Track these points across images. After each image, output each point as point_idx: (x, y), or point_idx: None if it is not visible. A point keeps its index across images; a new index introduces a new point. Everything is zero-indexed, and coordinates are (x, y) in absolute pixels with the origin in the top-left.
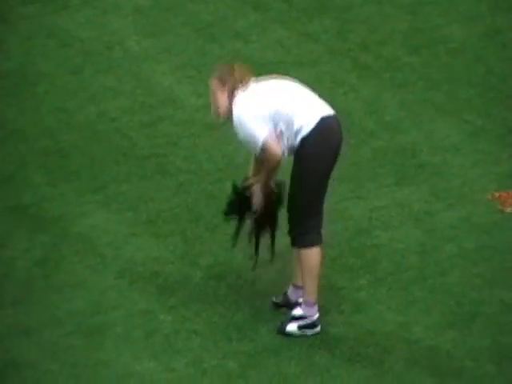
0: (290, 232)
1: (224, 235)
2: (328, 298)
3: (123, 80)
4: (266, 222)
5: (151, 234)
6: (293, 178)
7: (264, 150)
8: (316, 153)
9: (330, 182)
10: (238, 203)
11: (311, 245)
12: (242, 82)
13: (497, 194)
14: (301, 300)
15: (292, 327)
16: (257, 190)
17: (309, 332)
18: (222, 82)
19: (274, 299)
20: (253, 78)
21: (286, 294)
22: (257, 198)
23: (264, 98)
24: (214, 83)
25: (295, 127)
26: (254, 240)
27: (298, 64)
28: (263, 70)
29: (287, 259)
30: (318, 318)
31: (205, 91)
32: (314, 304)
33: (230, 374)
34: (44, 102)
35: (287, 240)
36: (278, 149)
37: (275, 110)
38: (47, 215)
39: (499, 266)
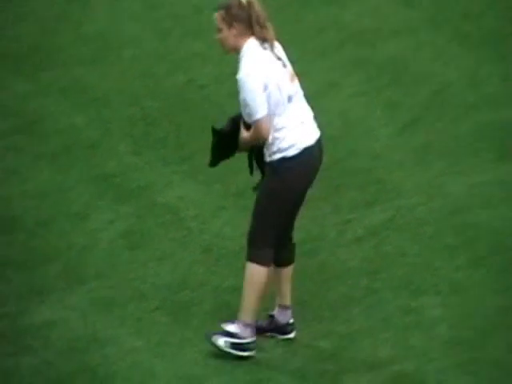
0: (247, 240)
1: (317, 210)
2: (425, 277)
3: (212, 46)
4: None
5: (240, 208)
6: (261, 190)
7: (256, 126)
8: (290, 179)
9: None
10: (223, 143)
11: (260, 262)
12: (256, 30)
13: None
14: (292, 321)
15: (220, 341)
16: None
17: (237, 353)
18: (229, 22)
19: (258, 323)
20: (270, 37)
21: (272, 317)
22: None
23: (276, 81)
24: (217, 17)
25: (279, 145)
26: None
27: (395, 32)
28: (359, 37)
29: (382, 237)
30: (253, 343)
31: (299, 59)
32: (249, 325)
33: (321, 355)
34: (130, 67)
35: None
36: (268, 133)
37: (281, 102)
38: (132, 185)
39: None
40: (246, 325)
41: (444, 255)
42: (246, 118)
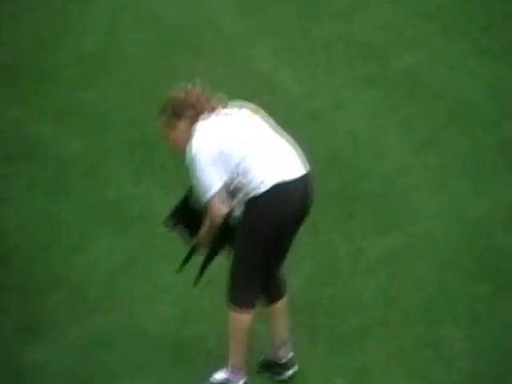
0: (228, 284)
1: (327, 238)
2: (443, 307)
3: (216, 64)
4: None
5: None
6: (238, 234)
7: (208, 206)
8: (262, 220)
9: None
10: (182, 213)
11: (242, 306)
12: (200, 106)
13: None
14: (291, 354)
15: None
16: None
17: None
18: (177, 115)
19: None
20: (218, 103)
21: (265, 356)
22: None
23: (224, 141)
24: (162, 122)
25: (251, 186)
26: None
27: (408, 46)
28: (369, 52)
29: (397, 265)
30: None
31: (307, 77)
32: (240, 370)
33: None
34: (130, 87)
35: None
36: (220, 214)
37: (231, 161)
38: (132, 214)
39: None
40: (236, 369)
41: (463, 283)
42: (203, 200)
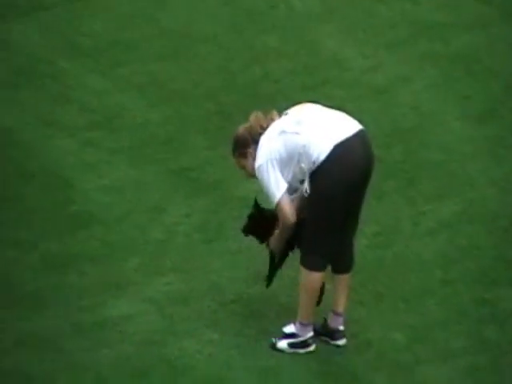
0: (301, 249)
1: (391, 202)
2: (499, 270)
3: (287, 40)
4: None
5: None
6: (308, 200)
7: (278, 209)
8: (328, 185)
9: None
10: (257, 222)
11: (313, 269)
12: (261, 128)
13: None
14: (341, 328)
15: (282, 344)
16: (274, 241)
17: (300, 351)
18: (244, 151)
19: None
20: (272, 118)
21: (325, 321)
22: (275, 246)
23: (278, 140)
24: (236, 157)
25: (312, 158)
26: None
27: (468, 27)
28: (432, 31)
29: (455, 229)
30: (311, 338)
31: (372, 53)
32: (307, 325)
33: (396, 346)
34: (207, 61)
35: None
36: (290, 212)
37: (291, 149)
38: (208, 179)
39: None
40: (304, 324)
41: None
42: (273, 205)
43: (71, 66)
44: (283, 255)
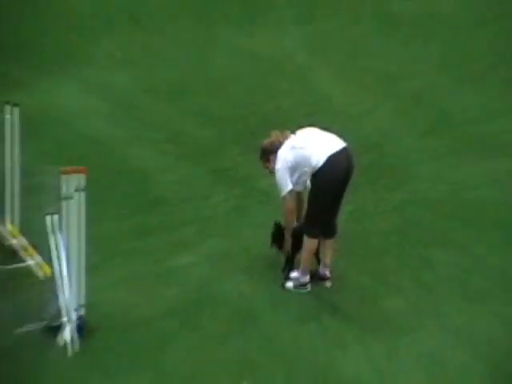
0: (304, 224)
1: (362, 192)
2: (436, 236)
3: (293, 84)
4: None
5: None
6: (309, 194)
7: (283, 199)
8: (323, 182)
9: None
10: (277, 237)
11: (311, 236)
12: (279, 142)
13: None
14: (328, 274)
15: (289, 285)
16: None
17: (301, 290)
18: (267, 157)
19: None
20: (286, 136)
21: (317, 270)
22: (287, 245)
23: (289, 153)
24: (263, 162)
25: (312, 165)
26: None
27: (412, 75)
28: (387, 81)
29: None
30: (308, 282)
31: (351, 93)
32: (305, 272)
33: (363, 286)
34: (238, 97)
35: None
36: (291, 205)
37: (299, 158)
38: (239, 176)
39: None
40: (303, 272)
41: (456, 224)
42: (280, 195)
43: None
44: (292, 256)
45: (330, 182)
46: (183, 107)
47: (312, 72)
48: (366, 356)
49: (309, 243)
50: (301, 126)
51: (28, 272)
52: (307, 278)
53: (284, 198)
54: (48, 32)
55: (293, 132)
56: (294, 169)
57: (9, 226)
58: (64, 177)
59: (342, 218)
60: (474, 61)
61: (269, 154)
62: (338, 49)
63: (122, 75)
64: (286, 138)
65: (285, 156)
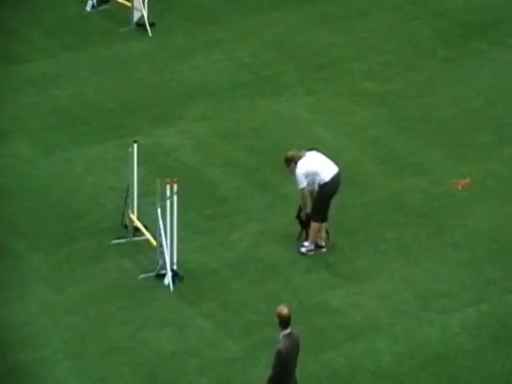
0: (311, 216)
1: (341, 197)
2: (395, 210)
3: (293, 135)
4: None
5: None
6: (316, 196)
7: (301, 191)
8: (326, 191)
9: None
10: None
11: (315, 221)
12: (298, 157)
13: None
14: (323, 243)
15: (303, 249)
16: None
17: (309, 253)
18: (289, 164)
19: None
20: (302, 153)
21: (317, 241)
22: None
23: (305, 166)
24: (286, 166)
25: (321, 178)
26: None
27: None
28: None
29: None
30: (313, 249)
31: (333, 136)
32: (312, 243)
33: (344, 254)
34: (265, 141)
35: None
36: (306, 194)
37: (311, 171)
38: (272, 182)
39: None
40: (312, 242)
41: None
42: (297, 187)
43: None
44: (304, 229)
45: (329, 191)
46: (240, 146)
47: (313, 125)
48: (345, 293)
49: (313, 225)
50: (309, 149)
51: (145, 241)
52: (313, 247)
53: (301, 189)
54: (158, 98)
55: (305, 150)
56: (306, 176)
57: (132, 215)
58: (167, 185)
59: (331, 212)
60: None
61: (290, 162)
62: (331, 111)
63: (201, 126)
64: (301, 153)
65: (303, 166)
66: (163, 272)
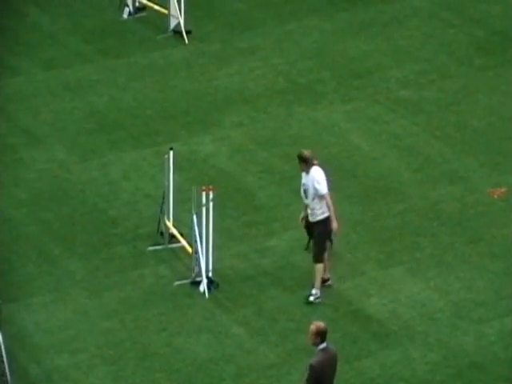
0: (314, 258)
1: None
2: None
3: (327, 144)
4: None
5: None
6: (316, 232)
7: (325, 196)
8: (326, 228)
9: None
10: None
11: (320, 263)
12: (313, 159)
13: None
14: (328, 276)
15: (312, 299)
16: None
17: (316, 301)
18: (303, 164)
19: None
20: (315, 156)
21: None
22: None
23: (323, 175)
24: (300, 164)
25: (323, 210)
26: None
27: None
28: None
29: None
30: (320, 296)
31: (370, 145)
32: (319, 288)
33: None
34: (286, 155)
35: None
36: (330, 200)
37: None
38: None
39: None
40: (317, 287)
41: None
42: (317, 192)
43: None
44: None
45: (329, 228)
46: (277, 153)
47: (350, 133)
48: (381, 301)
49: (318, 267)
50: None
51: (181, 248)
52: (319, 293)
53: (325, 195)
54: (195, 105)
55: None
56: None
57: (168, 222)
58: (203, 192)
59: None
60: None
61: (305, 161)
62: (367, 119)
63: (238, 133)
64: (315, 157)
65: (322, 173)
66: (199, 279)
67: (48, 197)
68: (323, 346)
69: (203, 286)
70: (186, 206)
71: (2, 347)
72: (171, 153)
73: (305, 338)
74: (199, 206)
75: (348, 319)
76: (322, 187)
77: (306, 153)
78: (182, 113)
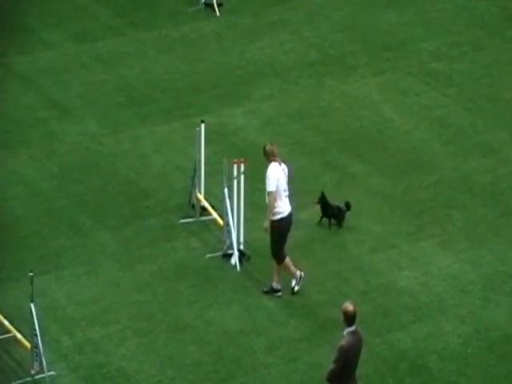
0: (276, 259)
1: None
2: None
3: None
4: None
5: None
6: (271, 234)
7: (269, 195)
8: (283, 229)
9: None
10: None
11: (278, 261)
12: (272, 156)
13: None
14: (279, 286)
15: (265, 289)
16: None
17: (275, 294)
18: (265, 156)
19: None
20: (277, 158)
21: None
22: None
23: (277, 174)
24: (266, 158)
25: (278, 209)
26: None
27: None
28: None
29: None
30: (280, 290)
31: (403, 118)
32: (278, 283)
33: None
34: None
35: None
36: (273, 201)
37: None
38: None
39: None
40: (277, 282)
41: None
42: (267, 190)
43: None
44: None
45: (285, 228)
46: (307, 125)
47: (381, 105)
48: (412, 274)
49: (277, 266)
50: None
51: (212, 221)
52: (279, 287)
53: (270, 193)
54: (225, 78)
55: (279, 158)
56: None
57: (199, 194)
58: (234, 165)
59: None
60: None
61: (264, 155)
62: (399, 91)
63: (268, 105)
64: (276, 156)
65: (276, 172)
66: (230, 252)
67: (79, 169)
68: (352, 328)
69: (234, 259)
70: (217, 179)
71: (35, 319)
72: (202, 125)
73: (336, 310)
74: (230, 178)
75: (379, 292)
76: (269, 184)
77: (267, 147)
78: (212, 85)
